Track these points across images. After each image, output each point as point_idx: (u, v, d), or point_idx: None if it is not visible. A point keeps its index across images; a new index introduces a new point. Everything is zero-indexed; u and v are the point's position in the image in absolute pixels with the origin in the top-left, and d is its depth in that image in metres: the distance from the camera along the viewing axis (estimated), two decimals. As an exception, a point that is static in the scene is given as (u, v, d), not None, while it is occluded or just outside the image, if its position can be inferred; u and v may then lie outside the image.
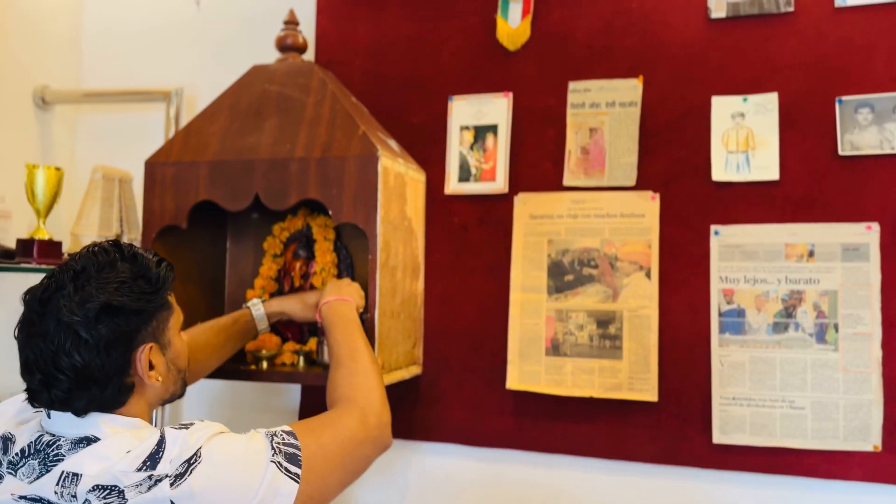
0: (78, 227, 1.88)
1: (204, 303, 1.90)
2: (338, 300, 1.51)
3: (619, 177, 1.75)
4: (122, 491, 0.97)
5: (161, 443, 1.01)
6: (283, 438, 1.09)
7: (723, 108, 1.69)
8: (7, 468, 1.04)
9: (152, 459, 0.99)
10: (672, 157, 1.72)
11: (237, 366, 1.70)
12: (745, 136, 1.67)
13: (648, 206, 1.72)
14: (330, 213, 1.60)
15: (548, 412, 1.74)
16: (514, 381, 1.74)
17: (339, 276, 1.82)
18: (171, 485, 0.98)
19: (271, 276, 1.86)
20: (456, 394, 1.81)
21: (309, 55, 1.95)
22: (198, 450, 1.01)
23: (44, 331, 1.03)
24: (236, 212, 1.93)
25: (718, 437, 1.63)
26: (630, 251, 1.73)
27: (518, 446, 1.77)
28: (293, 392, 1.97)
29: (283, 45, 1.80)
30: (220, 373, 1.69)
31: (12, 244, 1.72)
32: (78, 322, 1.03)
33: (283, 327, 1.80)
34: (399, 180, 1.68)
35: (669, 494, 1.68)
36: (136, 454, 1.00)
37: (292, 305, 1.62)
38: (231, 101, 1.77)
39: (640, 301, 1.70)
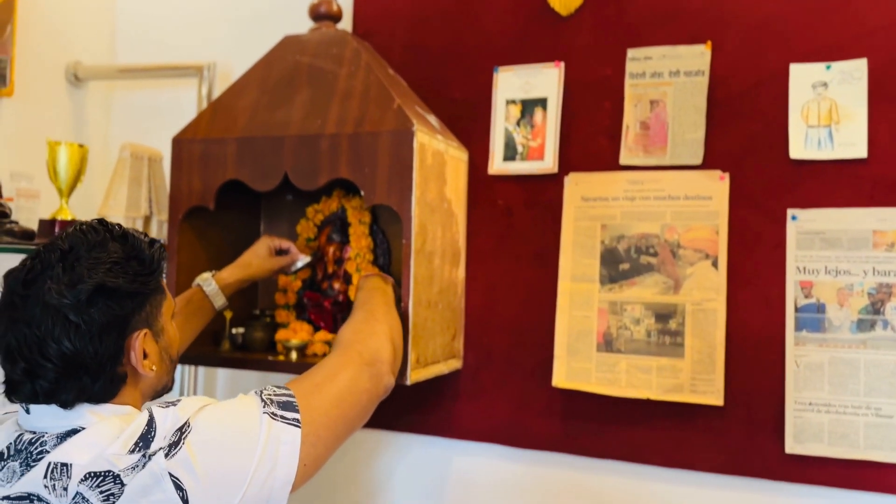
0: (106, 207, 1.80)
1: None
2: (377, 275, 1.49)
3: (684, 154, 1.57)
4: (118, 475, 0.90)
5: (151, 422, 0.94)
6: (273, 391, 1.04)
7: (803, 76, 1.50)
8: None
9: (144, 440, 0.92)
10: (744, 132, 1.53)
11: (265, 356, 1.61)
12: (827, 109, 1.48)
13: (716, 187, 1.54)
14: (362, 193, 1.48)
15: (599, 414, 1.59)
16: (560, 379, 1.59)
17: (375, 262, 1.70)
18: (166, 455, 0.91)
19: (304, 261, 1.75)
20: (499, 391, 1.67)
21: (347, 27, 1.83)
22: (188, 420, 0.95)
23: (28, 315, 0.93)
24: (269, 193, 1.85)
25: (792, 447, 1.45)
26: (695, 238, 1.55)
27: (566, 450, 1.62)
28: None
29: (316, 14, 1.68)
30: (245, 363, 1.60)
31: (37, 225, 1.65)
32: (68, 305, 0.93)
33: (315, 316, 1.70)
34: (438, 159, 1.54)
35: (735, 508, 1.51)
36: (126, 436, 0.93)
37: (246, 268, 1.56)
38: (261, 74, 1.66)
39: (705, 293, 1.53)
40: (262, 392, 1.03)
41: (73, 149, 1.60)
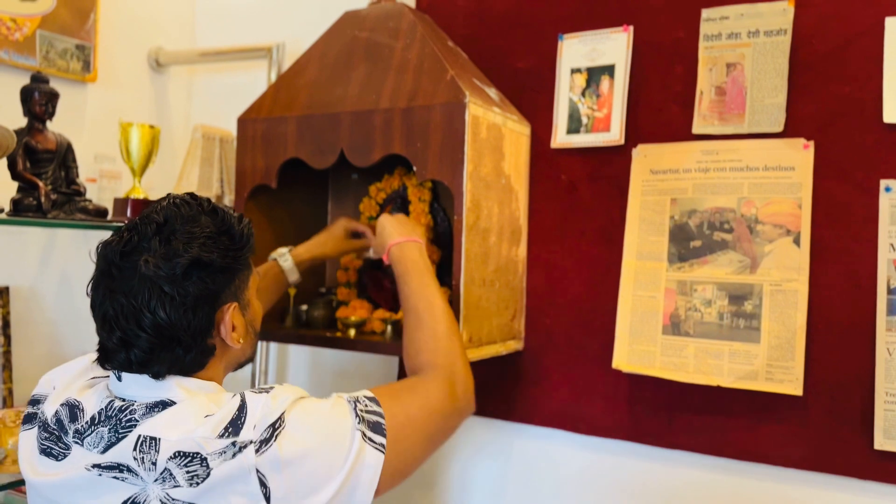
0: (179, 187, 1.86)
1: (303, 266, 1.82)
2: (408, 241, 1.36)
3: (763, 121, 1.44)
4: (206, 459, 0.90)
5: (242, 408, 0.94)
6: (366, 405, 1.02)
7: (902, 30, 1.34)
8: (73, 437, 0.97)
9: (234, 425, 0.92)
10: (831, 95, 1.39)
11: (323, 332, 1.61)
12: (931, 66, 1.31)
13: (799, 156, 1.41)
14: (414, 169, 1.44)
15: (667, 401, 1.50)
16: (621, 361, 1.50)
17: (436, 240, 1.67)
18: (257, 451, 0.91)
19: (366, 240, 1.74)
20: (562, 373, 1.60)
21: (410, 0, 1.79)
22: (281, 414, 0.94)
23: (126, 286, 0.96)
24: (335, 173, 1.85)
25: (881, 443, 1.31)
26: (775, 212, 1.42)
27: (632, 438, 1.54)
28: (391, 359, 1.86)
29: (375, -12, 1.65)
30: (303, 339, 1.61)
31: (116, 205, 1.73)
32: (164, 277, 0.95)
33: (375, 294, 1.68)
34: (494, 132, 1.49)
35: (817, 507, 1.39)
36: (217, 419, 0.92)
37: (321, 246, 1.55)
38: (321, 51, 1.65)
39: (785, 273, 1.40)
40: (356, 404, 1.01)
41: (144, 129, 1.65)
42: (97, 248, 1.01)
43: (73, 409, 0.99)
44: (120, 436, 0.93)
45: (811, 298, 1.38)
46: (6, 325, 1.71)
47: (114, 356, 0.98)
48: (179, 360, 0.98)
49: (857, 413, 1.34)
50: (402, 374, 1.81)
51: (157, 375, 0.98)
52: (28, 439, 1.03)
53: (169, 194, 1.06)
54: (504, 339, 1.56)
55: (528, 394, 1.64)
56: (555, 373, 1.61)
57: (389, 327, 1.59)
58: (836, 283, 1.37)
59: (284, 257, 1.52)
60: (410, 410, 1.07)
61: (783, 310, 1.39)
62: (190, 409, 0.95)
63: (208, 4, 2.19)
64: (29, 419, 1.05)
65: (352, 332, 1.58)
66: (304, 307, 1.70)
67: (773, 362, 1.39)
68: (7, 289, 1.72)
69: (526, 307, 1.64)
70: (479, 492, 1.72)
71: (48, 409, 1.02)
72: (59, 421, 0.99)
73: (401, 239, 1.37)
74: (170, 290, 0.95)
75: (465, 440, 1.74)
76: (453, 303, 1.40)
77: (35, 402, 1.06)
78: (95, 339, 1.00)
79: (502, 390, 1.67)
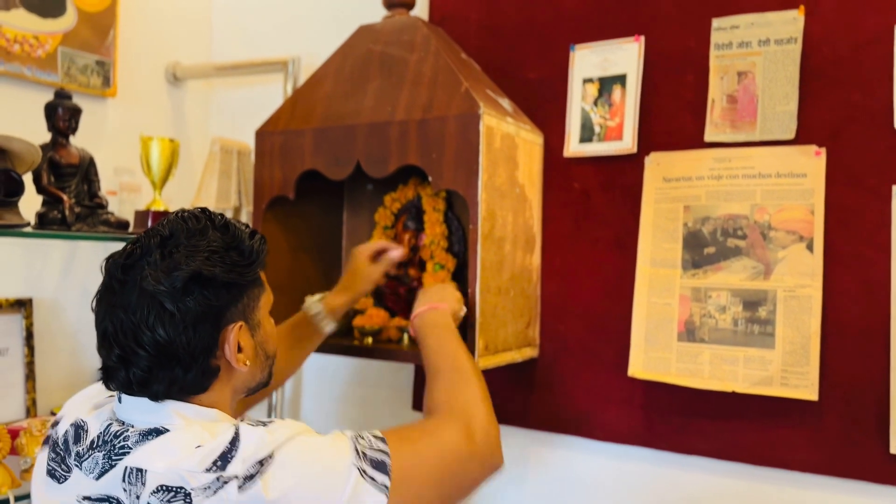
0: (198, 199, 1.89)
1: (318, 274, 1.84)
2: (429, 310, 1.33)
3: (775, 129, 1.46)
4: (189, 494, 0.85)
5: (235, 440, 0.88)
6: (371, 443, 0.95)
7: (912, 37, 1.35)
8: (75, 460, 0.94)
9: (224, 459, 0.87)
10: (842, 102, 1.40)
11: (340, 341, 1.63)
12: (942, 72, 1.32)
13: (811, 163, 1.42)
14: (430, 179, 1.47)
15: (682, 407, 1.51)
16: (637, 368, 1.51)
17: (450, 249, 1.69)
18: (239, 488, 0.85)
19: (381, 249, 1.76)
20: (576, 380, 1.62)
21: (423, 13, 1.82)
22: (273, 450, 0.88)
23: (125, 301, 0.92)
24: (350, 184, 1.88)
25: (898, 448, 1.32)
26: (787, 218, 1.44)
27: (647, 444, 1.55)
28: (408, 368, 1.87)
29: (389, 2, 1.68)
30: (321, 347, 1.62)
31: (137, 217, 1.76)
32: (163, 292, 0.91)
33: (392, 302, 1.71)
34: (508, 142, 1.51)
35: (833, 512, 1.39)
36: (206, 451, 0.87)
37: (353, 287, 1.47)
38: (336, 64, 1.68)
39: (798, 279, 1.41)
40: (358, 440, 0.95)
41: (164, 143, 1.68)
42: (104, 261, 0.98)
43: (79, 429, 0.97)
44: (112, 463, 0.90)
45: (825, 304, 1.39)
46: (29, 336, 1.74)
47: (114, 375, 0.95)
48: (179, 380, 0.94)
49: (872, 417, 1.35)
50: (419, 382, 1.83)
51: (157, 396, 0.94)
52: (41, 460, 1.00)
53: (180, 208, 1.03)
54: (519, 346, 1.58)
55: (543, 400, 1.65)
56: (569, 379, 1.62)
57: (406, 335, 1.61)
58: (850, 289, 1.38)
59: (312, 306, 1.44)
60: (419, 449, 1.00)
61: (797, 315, 1.40)
62: (181, 438, 0.90)
63: (225, 19, 2.23)
64: (46, 440, 1.03)
65: (369, 340, 1.61)
66: (321, 316, 1.72)
67: (788, 367, 1.40)
68: (30, 300, 1.75)
69: (540, 314, 1.65)
70: (495, 499, 1.73)
71: (60, 429, 1.00)
72: (65, 441, 0.97)
73: (421, 309, 1.34)
74: (170, 306, 0.91)
75: (482, 447, 1.75)
76: (469, 311, 1.42)
77: (55, 423, 1.03)
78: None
79: (517, 397, 1.68)
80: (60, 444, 0.98)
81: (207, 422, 0.94)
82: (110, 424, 0.94)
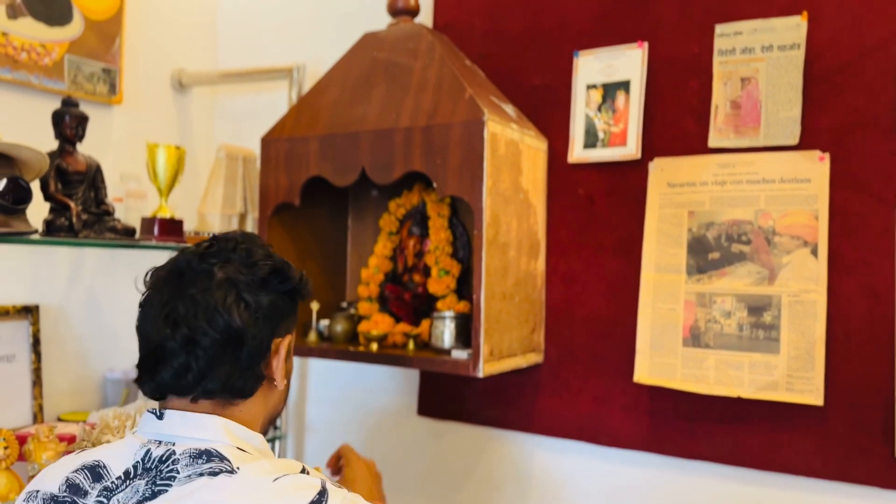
0: (204, 205, 1.90)
1: (324, 280, 1.85)
2: (362, 463, 1.31)
3: (779, 134, 1.46)
4: None
5: (324, 493, 0.87)
6: None
7: (915, 43, 1.35)
8: (99, 497, 0.88)
9: None
10: (845, 107, 1.41)
11: (346, 346, 1.64)
12: (945, 77, 1.33)
13: (815, 168, 1.42)
14: (434, 185, 1.47)
15: (687, 412, 1.51)
16: (642, 374, 1.52)
17: (454, 254, 1.69)
18: None
19: (386, 255, 1.77)
20: (581, 385, 1.62)
21: (428, 20, 1.83)
22: None
23: (202, 285, 0.93)
24: (355, 190, 1.88)
25: (904, 453, 1.32)
26: (791, 224, 1.44)
27: (653, 449, 1.55)
28: (413, 373, 1.88)
29: (394, 9, 1.69)
30: (326, 353, 1.64)
31: (143, 224, 1.77)
32: (244, 281, 0.95)
33: (397, 308, 1.71)
34: (512, 148, 1.51)
35: (839, 517, 1.39)
36: (295, 500, 0.85)
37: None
38: (342, 71, 1.69)
39: (803, 284, 1.41)
40: None
41: (170, 150, 1.69)
42: (147, 273, 0.99)
43: (95, 469, 0.91)
44: (157, 489, 0.86)
45: (829, 309, 1.39)
46: (36, 342, 1.75)
47: (165, 366, 0.92)
48: (232, 378, 0.94)
49: (877, 422, 1.35)
50: (423, 387, 1.83)
51: (209, 393, 0.93)
52: None
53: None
54: (524, 351, 1.58)
55: (548, 405, 1.66)
56: (574, 384, 1.63)
57: (411, 341, 1.61)
58: (854, 294, 1.38)
59: None
60: None
61: (802, 320, 1.41)
62: (257, 482, 0.86)
63: (230, 27, 2.24)
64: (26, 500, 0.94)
65: (374, 346, 1.61)
66: (326, 322, 1.73)
67: (793, 373, 1.40)
68: (37, 307, 1.76)
69: (545, 320, 1.66)
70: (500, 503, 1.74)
71: (48, 486, 0.93)
72: (72, 486, 0.91)
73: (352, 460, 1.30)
74: (247, 296, 0.94)
75: (485, 451, 1.76)
76: (475, 316, 1.42)
77: (28, 497, 0.94)
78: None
79: (522, 402, 1.68)
80: (60, 492, 0.92)
81: (263, 452, 0.93)
82: (148, 451, 0.90)
